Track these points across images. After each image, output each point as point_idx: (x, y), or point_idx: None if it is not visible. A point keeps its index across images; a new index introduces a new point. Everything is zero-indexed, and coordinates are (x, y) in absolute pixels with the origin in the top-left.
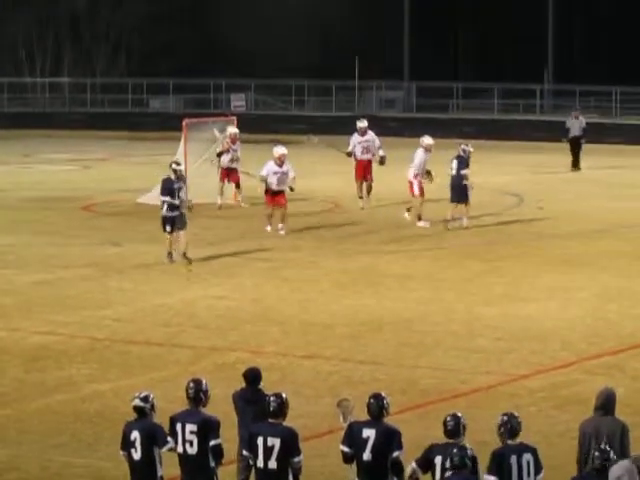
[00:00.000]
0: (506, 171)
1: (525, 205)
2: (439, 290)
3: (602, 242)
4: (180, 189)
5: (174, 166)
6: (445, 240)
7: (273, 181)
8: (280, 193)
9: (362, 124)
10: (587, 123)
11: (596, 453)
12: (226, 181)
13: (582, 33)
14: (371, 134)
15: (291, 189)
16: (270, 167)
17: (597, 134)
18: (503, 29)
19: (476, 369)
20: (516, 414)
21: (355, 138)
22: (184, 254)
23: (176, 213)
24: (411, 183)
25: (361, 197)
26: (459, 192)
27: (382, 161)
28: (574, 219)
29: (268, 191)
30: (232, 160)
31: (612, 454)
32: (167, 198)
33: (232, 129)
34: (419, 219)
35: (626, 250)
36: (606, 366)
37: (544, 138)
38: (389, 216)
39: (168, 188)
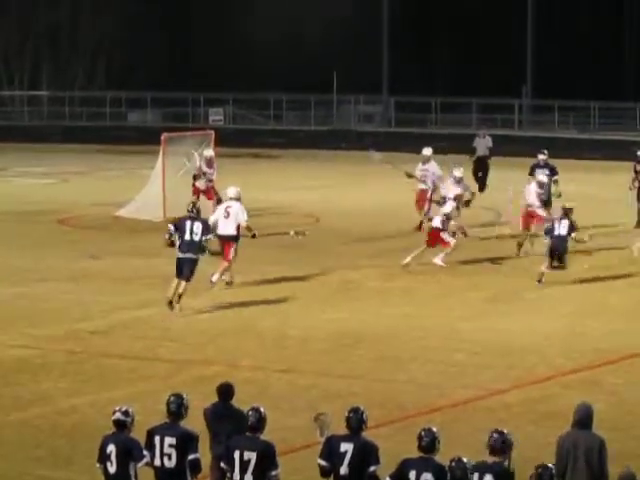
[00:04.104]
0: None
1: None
2: (417, 305)
3: (580, 256)
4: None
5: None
6: (423, 255)
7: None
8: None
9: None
10: (493, 142)
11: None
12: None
13: (561, 48)
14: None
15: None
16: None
17: (577, 149)
18: (482, 43)
19: (454, 383)
20: (505, 431)
21: None
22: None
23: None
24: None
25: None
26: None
27: None
28: None
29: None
30: (206, 185)
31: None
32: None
33: (208, 152)
34: None
35: (604, 265)
36: (583, 381)
37: (522, 153)
38: (369, 231)
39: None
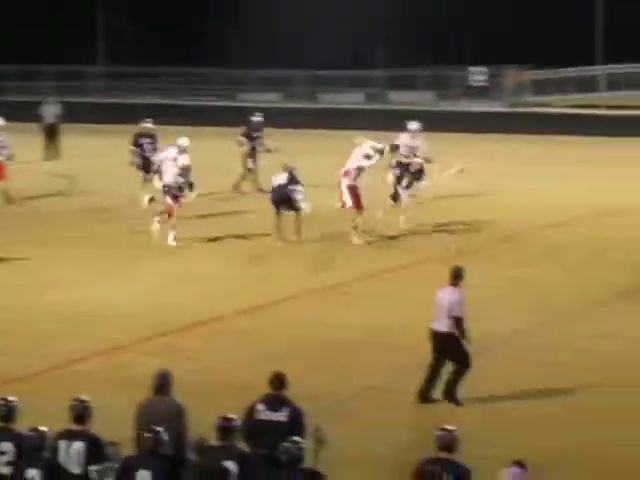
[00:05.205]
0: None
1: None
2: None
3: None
4: None
5: None
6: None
7: None
8: None
9: None
10: (61, 109)
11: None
12: None
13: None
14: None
15: None
16: None
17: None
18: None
19: (38, 353)
20: (83, 398)
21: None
22: None
23: None
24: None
25: None
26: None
27: None
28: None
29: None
30: None
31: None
32: None
33: None
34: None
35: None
36: (161, 348)
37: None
38: None
39: None
